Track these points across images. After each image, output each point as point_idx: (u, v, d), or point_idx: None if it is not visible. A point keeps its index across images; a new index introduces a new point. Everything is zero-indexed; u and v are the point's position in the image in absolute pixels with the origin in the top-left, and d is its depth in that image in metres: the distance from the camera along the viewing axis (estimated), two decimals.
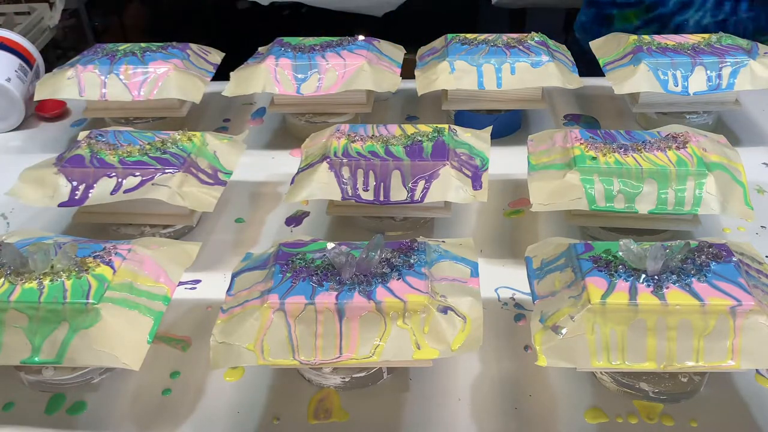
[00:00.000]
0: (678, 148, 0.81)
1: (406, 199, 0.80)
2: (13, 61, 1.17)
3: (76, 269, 0.65)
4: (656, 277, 0.61)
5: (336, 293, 0.61)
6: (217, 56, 1.16)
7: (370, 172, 0.81)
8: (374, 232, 0.86)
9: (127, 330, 0.62)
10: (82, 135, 0.91)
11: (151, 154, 0.84)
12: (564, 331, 0.59)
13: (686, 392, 0.64)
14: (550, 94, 1.21)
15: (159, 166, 0.82)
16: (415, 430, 0.63)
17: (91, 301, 0.62)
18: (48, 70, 1.16)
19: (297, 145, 0.99)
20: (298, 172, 0.85)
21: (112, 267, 0.66)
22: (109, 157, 0.84)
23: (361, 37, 1.10)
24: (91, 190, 0.81)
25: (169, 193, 0.80)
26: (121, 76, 1.03)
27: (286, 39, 1.11)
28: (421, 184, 0.80)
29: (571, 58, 1.09)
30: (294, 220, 0.92)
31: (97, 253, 0.68)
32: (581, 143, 0.83)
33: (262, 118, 1.17)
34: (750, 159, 0.93)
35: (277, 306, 0.60)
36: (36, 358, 0.61)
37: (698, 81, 0.98)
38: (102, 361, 0.60)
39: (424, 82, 1.02)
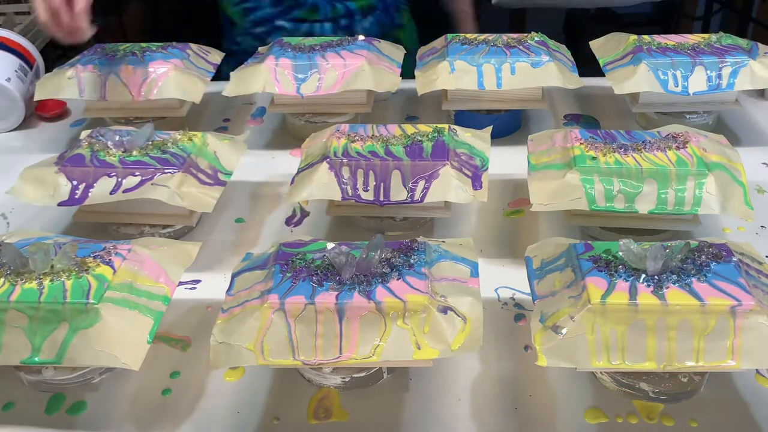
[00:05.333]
0: (678, 148, 0.81)
1: (406, 199, 0.80)
2: (13, 61, 1.17)
3: (76, 269, 0.65)
4: (656, 277, 0.61)
5: (336, 293, 0.61)
6: (217, 56, 1.16)
7: (370, 172, 0.81)
8: (374, 232, 0.86)
9: (127, 330, 0.62)
10: (84, 134, 0.91)
11: (151, 154, 0.84)
12: (564, 331, 0.59)
13: (686, 392, 0.64)
14: (550, 94, 1.21)
15: (159, 166, 0.82)
16: (415, 430, 0.63)
17: (91, 301, 0.62)
18: (48, 70, 1.16)
19: (297, 145, 0.99)
20: (298, 172, 0.85)
21: (112, 267, 0.66)
22: (109, 157, 0.84)
23: (361, 37, 1.10)
24: (90, 190, 0.81)
25: (168, 194, 0.80)
26: (121, 76, 1.03)
27: (286, 39, 1.11)
28: (421, 184, 0.80)
29: (571, 58, 1.09)
30: (294, 220, 0.92)
31: (97, 253, 0.68)
32: (581, 143, 0.83)
33: (262, 118, 1.17)
34: (750, 159, 0.93)
35: (277, 306, 0.60)
36: (36, 358, 0.61)
37: (698, 81, 0.98)
38: (102, 361, 0.60)
39: (424, 82, 1.02)
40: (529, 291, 0.66)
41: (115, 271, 0.66)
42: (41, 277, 0.64)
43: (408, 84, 1.10)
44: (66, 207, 0.84)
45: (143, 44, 1.11)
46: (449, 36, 1.10)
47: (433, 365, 0.62)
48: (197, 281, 0.81)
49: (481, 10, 2.46)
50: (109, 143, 0.86)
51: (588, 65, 1.15)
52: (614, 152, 0.80)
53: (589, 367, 0.59)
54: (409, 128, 0.88)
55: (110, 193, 0.81)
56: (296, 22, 1.35)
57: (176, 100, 1.07)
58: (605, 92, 1.18)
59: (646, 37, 1.07)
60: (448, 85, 1.01)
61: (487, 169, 0.83)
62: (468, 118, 1.08)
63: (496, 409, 0.65)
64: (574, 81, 1.02)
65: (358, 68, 1.01)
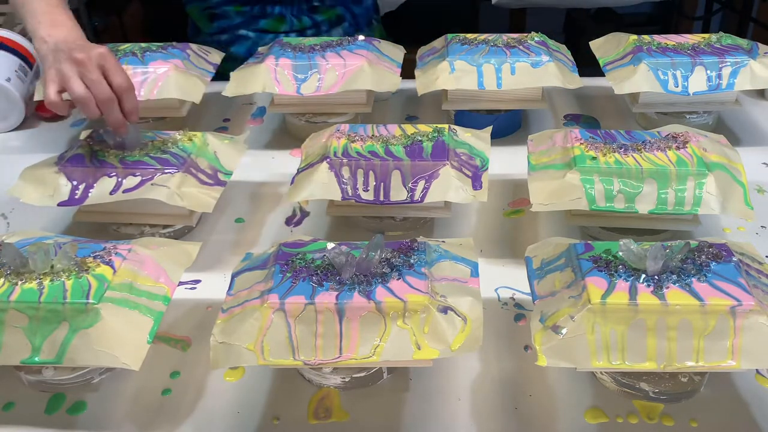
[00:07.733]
0: (678, 148, 0.81)
1: (406, 199, 0.80)
2: (13, 61, 1.17)
3: (76, 269, 0.65)
4: (656, 277, 0.61)
5: (336, 293, 0.61)
6: (217, 56, 1.16)
7: (370, 172, 0.81)
8: (374, 232, 0.86)
9: (127, 330, 0.62)
10: (84, 134, 0.91)
11: (151, 154, 0.84)
12: (564, 331, 0.59)
13: (686, 392, 0.64)
14: (550, 94, 1.21)
15: (159, 166, 0.82)
16: (415, 430, 0.63)
17: (91, 301, 0.62)
18: None
19: (297, 145, 0.99)
20: (298, 172, 0.85)
21: (112, 267, 0.66)
22: (109, 157, 0.84)
23: (361, 37, 1.10)
24: (90, 190, 0.81)
25: (168, 194, 0.80)
26: None
27: (286, 39, 1.11)
28: (421, 184, 0.80)
29: (571, 58, 1.09)
30: (294, 220, 0.92)
31: (97, 253, 0.68)
32: (581, 143, 0.83)
33: (262, 118, 1.17)
34: (750, 159, 0.93)
35: (277, 306, 0.60)
36: (36, 358, 0.61)
37: (698, 81, 0.98)
38: (102, 361, 0.60)
39: (424, 82, 1.02)
40: (529, 291, 0.66)
41: (115, 271, 0.66)
42: (41, 277, 0.64)
43: (408, 84, 1.10)
44: (66, 207, 0.84)
45: (143, 44, 1.11)
46: (449, 36, 1.10)
47: (433, 365, 0.62)
48: (197, 281, 0.81)
49: (481, 10, 2.47)
50: (110, 143, 0.86)
51: (588, 65, 1.15)
52: (614, 152, 0.80)
53: (589, 367, 0.59)
54: (409, 128, 0.88)
55: (110, 193, 0.81)
56: (261, 33, 1.33)
57: (176, 100, 1.07)
58: (605, 92, 1.19)
59: (646, 37, 1.07)
60: (448, 85, 1.01)
61: (487, 169, 0.83)
62: (468, 118, 1.08)
63: (496, 409, 0.65)
64: (574, 81, 1.02)
65: (358, 68, 1.01)
